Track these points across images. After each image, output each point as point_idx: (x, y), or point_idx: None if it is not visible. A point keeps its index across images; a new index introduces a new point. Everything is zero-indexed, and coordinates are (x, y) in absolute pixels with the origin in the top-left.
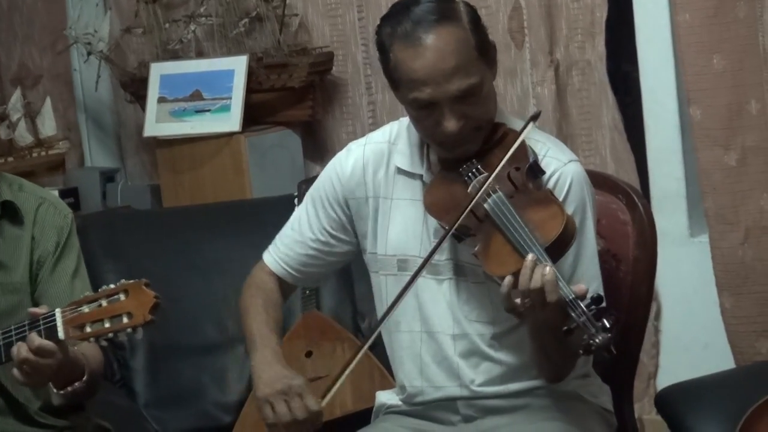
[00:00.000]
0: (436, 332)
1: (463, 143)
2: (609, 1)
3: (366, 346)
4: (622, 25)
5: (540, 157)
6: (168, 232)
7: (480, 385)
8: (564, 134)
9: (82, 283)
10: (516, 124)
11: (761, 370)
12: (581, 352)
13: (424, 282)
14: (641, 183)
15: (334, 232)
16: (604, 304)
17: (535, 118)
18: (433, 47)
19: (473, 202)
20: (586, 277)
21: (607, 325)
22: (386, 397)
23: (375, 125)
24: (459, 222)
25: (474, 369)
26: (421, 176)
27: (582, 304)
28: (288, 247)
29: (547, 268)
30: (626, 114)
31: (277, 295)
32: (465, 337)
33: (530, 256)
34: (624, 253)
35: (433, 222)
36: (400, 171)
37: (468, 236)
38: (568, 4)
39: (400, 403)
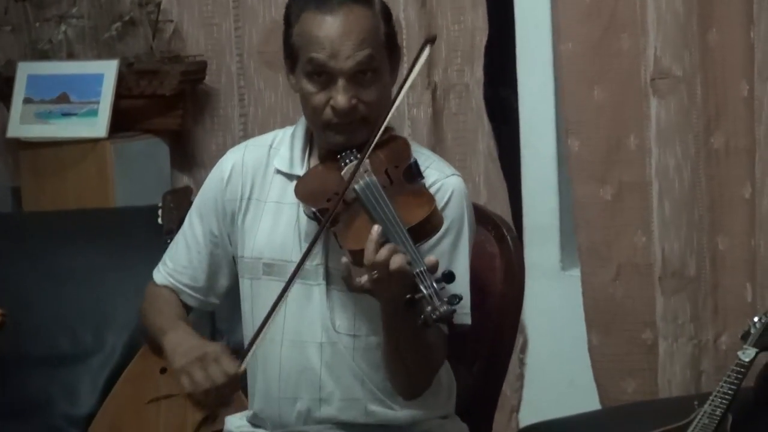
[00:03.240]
0: (303, 341)
1: (348, 131)
2: (490, 26)
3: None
4: (502, 51)
5: (423, 168)
6: (25, 237)
7: (341, 401)
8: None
9: None
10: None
11: (625, 413)
12: (421, 323)
13: (294, 288)
14: (513, 213)
15: (216, 239)
16: (454, 282)
17: (431, 41)
18: (342, 19)
19: (348, 183)
20: (455, 292)
21: (452, 301)
22: (235, 424)
23: (245, 138)
24: (330, 205)
25: (336, 382)
26: (298, 177)
27: (431, 277)
28: (175, 261)
29: (384, 249)
30: (502, 142)
31: (176, 298)
32: (332, 347)
33: (375, 229)
34: (490, 286)
35: (305, 225)
36: (278, 172)
37: (335, 224)
38: (448, 26)
39: (251, 429)
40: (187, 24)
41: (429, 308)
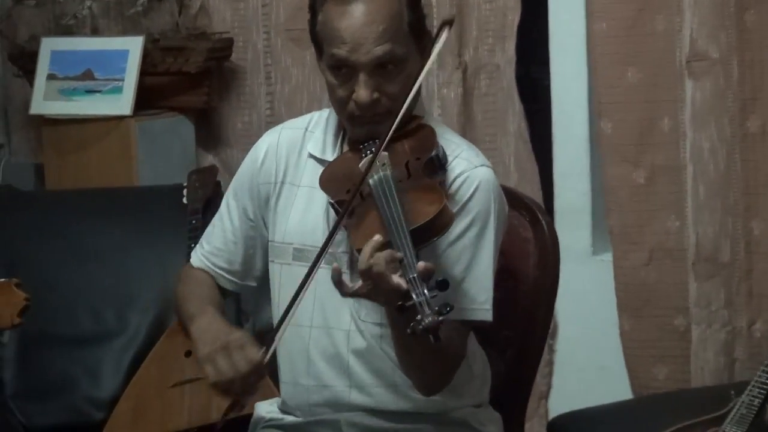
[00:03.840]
0: (331, 327)
1: (373, 122)
2: (522, 5)
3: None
4: (534, 31)
5: (451, 158)
6: (49, 216)
7: (374, 387)
8: (467, 139)
9: None
10: (439, 127)
11: (659, 402)
12: (408, 332)
13: (324, 273)
14: (544, 195)
15: (252, 222)
16: (448, 290)
17: (449, 23)
18: (362, 9)
19: (363, 177)
20: (475, 286)
21: (442, 311)
22: (265, 410)
23: (272, 116)
24: (348, 196)
25: (366, 368)
26: (329, 162)
27: (423, 285)
28: (211, 244)
29: (379, 254)
30: (533, 123)
31: (211, 281)
32: (360, 335)
33: (376, 237)
34: (524, 272)
35: (333, 213)
36: (311, 157)
37: (350, 215)
38: (480, 4)
39: (280, 416)
40: (213, 0)
41: (417, 317)
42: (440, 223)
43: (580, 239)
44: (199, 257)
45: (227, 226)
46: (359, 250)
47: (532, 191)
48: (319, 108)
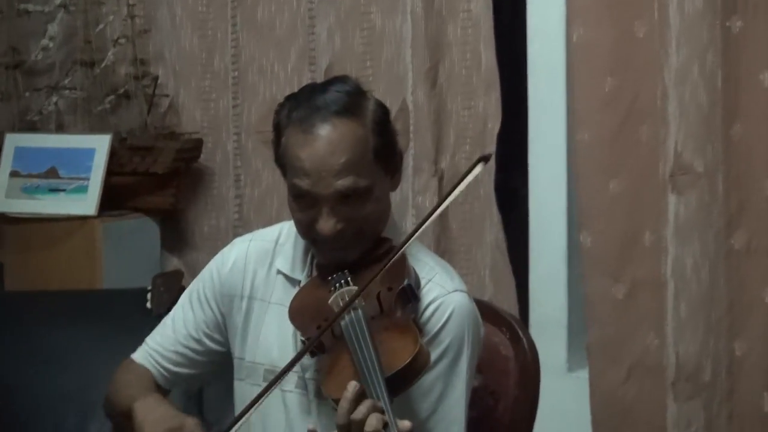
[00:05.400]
0: None
1: (339, 249)
2: (503, 112)
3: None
4: (513, 137)
5: (423, 282)
6: (8, 317)
7: None
8: (441, 249)
9: None
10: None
11: None
12: None
13: (295, 398)
14: (520, 309)
15: (208, 331)
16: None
17: (485, 159)
18: (324, 139)
19: (332, 319)
20: (446, 419)
21: None
22: None
23: (241, 220)
24: (316, 336)
25: None
26: (299, 282)
27: None
28: (158, 343)
29: (362, 406)
30: (510, 233)
31: (150, 376)
32: None
33: (351, 386)
34: (504, 390)
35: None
36: (280, 273)
37: (322, 352)
38: (458, 110)
39: None
40: (183, 99)
41: None
42: (416, 367)
43: (555, 355)
44: (142, 354)
45: (179, 329)
46: (334, 399)
47: (509, 304)
48: (290, 215)
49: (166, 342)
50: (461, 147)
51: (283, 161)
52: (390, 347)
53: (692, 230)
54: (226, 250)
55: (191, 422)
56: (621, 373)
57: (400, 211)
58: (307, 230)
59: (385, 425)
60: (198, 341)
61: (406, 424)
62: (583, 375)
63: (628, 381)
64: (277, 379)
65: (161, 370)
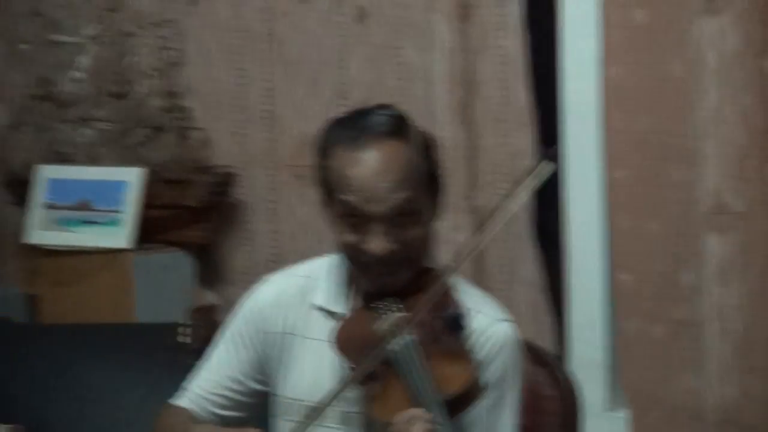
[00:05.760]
0: None
1: (387, 273)
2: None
3: None
4: (550, 177)
5: (469, 312)
6: (42, 351)
7: None
8: (480, 287)
9: None
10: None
11: None
12: None
13: None
14: (558, 347)
15: (249, 371)
16: None
17: (553, 157)
18: (376, 157)
19: (382, 344)
20: None
21: None
22: None
23: (276, 254)
24: (367, 361)
25: None
26: (338, 315)
27: None
28: (201, 387)
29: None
30: (548, 271)
31: (194, 419)
32: None
33: (413, 411)
34: (546, 430)
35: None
36: (318, 308)
37: (372, 381)
38: (492, 147)
39: None
40: (216, 132)
41: None
42: (474, 391)
43: (594, 394)
44: (185, 399)
45: (216, 370)
46: (385, 423)
47: (548, 343)
48: (325, 248)
49: (208, 385)
50: (495, 183)
51: (329, 183)
52: (443, 372)
53: (733, 270)
54: (258, 287)
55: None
56: (662, 415)
57: (436, 247)
58: (355, 252)
59: None
60: (240, 382)
61: None
62: (623, 415)
63: (670, 423)
64: (327, 405)
65: (204, 414)
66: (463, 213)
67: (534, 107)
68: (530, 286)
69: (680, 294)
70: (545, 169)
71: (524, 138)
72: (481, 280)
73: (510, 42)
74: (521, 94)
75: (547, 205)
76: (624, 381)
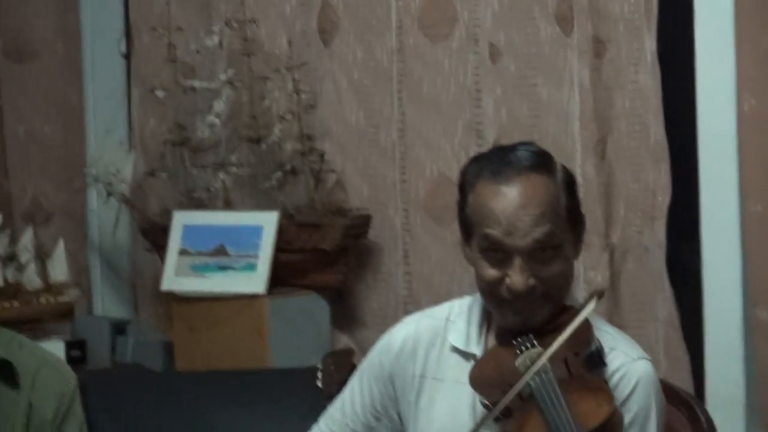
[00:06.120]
0: None
1: (525, 311)
2: (673, 183)
3: None
4: (685, 211)
5: (607, 350)
6: (179, 399)
7: None
8: (614, 325)
9: None
10: (591, 317)
11: None
12: None
13: None
14: (695, 386)
15: (378, 413)
16: None
17: (600, 295)
18: (520, 190)
19: (520, 379)
20: None
21: None
22: None
23: (410, 297)
24: (503, 396)
25: None
26: (475, 356)
27: None
28: (330, 427)
29: None
30: (683, 308)
31: None
32: None
33: None
34: None
35: (481, 411)
36: (454, 350)
37: (508, 417)
38: (628, 183)
39: None
40: (349, 174)
41: None
42: (612, 426)
43: None
44: None
45: (348, 411)
46: None
47: (684, 382)
48: (460, 290)
49: (336, 426)
50: (631, 220)
51: (470, 219)
52: (584, 407)
53: None
54: (394, 329)
55: None
56: None
57: (573, 287)
58: (494, 288)
59: None
60: (367, 424)
61: None
62: None
63: None
64: None
65: None
66: (600, 251)
67: (669, 141)
68: (665, 324)
69: None
70: (592, 305)
71: (660, 174)
72: (616, 318)
73: (644, 76)
74: (657, 130)
75: (682, 240)
76: (764, 418)
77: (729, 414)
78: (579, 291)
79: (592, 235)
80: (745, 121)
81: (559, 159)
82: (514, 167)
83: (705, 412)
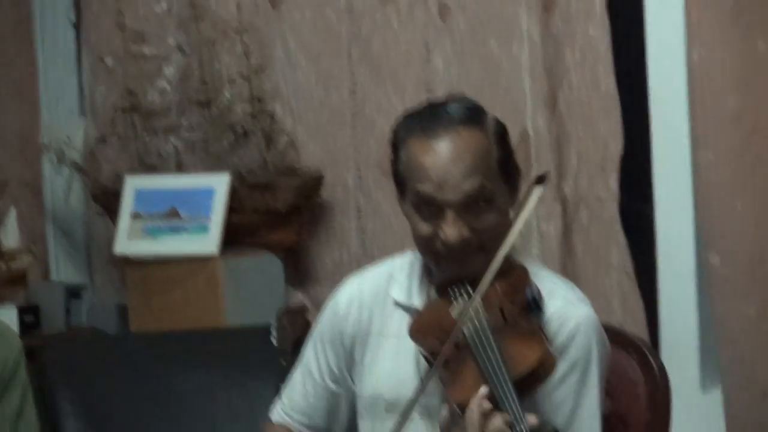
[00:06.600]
0: None
1: (460, 262)
2: (625, 134)
3: None
4: (637, 160)
5: (547, 297)
6: (134, 361)
7: None
8: (568, 275)
9: (27, 426)
10: (530, 264)
11: None
12: None
13: (419, 426)
14: (649, 332)
15: (336, 376)
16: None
17: (541, 180)
18: (449, 145)
19: (456, 327)
20: None
21: None
22: None
23: (364, 254)
24: (441, 347)
25: None
26: (417, 310)
27: None
28: (291, 398)
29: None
30: (637, 257)
31: None
32: None
33: (482, 389)
34: (634, 416)
35: (424, 362)
36: (396, 305)
37: (445, 367)
38: (580, 135)
39: None
40: (301, 135)
41: None
42: (544, 370)
43: (688, 376)
44: (278, 412)
45: (308, 380)
46: (459, 404)
47: (638, 328)
48: (412, 247)
49: (298, 396)
50: (583, 171)
51: (403, 174)
52: (515, 353)
53: None
54: (339, 292)
55: None
56: (756, 393)
57: (525, 237)
58: (429, 242)
59: (512, 426)
60: (327, 389)
61: (532, 419)
62: (717, 395)
63: (765, 401)
64: (413, 402)
65: (299, 426)
66: (552, 202)
67: (620, 92)
68: (619, 273)
69: None
70: (537, 193)
71: (612, 124)
72: (570, 267)
73: (594, 28)
74: (607, 81)
75: (635, 189)
76: (719, 360)
77: (683, 360)
78: (532, 242)
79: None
80: (695, 70)
81: (511, 113)
82: (444, 122)
83: (657, 358)
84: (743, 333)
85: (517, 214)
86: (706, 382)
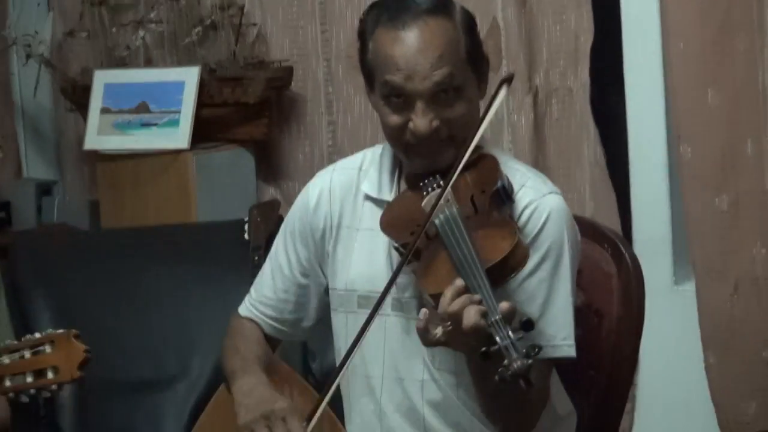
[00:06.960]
0: (403, 379)
1: (431, 153)
2: (595, 26)
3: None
4: (608, 52)
5: (516, 187)
6: (105, 257)
7: None
8: (540, 168)
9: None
10: (501, 155)
11: None
12: (497, 379)
13: (393, 321)
14: (622, 225)
15: (305, 269)
16: (533, 330)
17: (508, 81)
18: (417, 35)
19: (428, 217)
20: (555, 324)
21: (530, 354)
22: None
23: (334, 147)
24: (412, 238)
25: (442, 420)
26: (388, 203)
27: (507, 327)
28: (260, 293)
29: (457, 300)
30: (609, 149)
31: (258, 333)
32: (434, 383)
33: (458, 281)
34: (607, 308)
35: (396, 256)
36: (367, 198)
37: (417, 258)
38: (550, 26)
39: None
40: (270, 27)
41: (504, 362)
42: (516, 259)
43: (660, 270)
44: (246, 306)
45: (276, 273)
46: (433, 295)
47: (610, 221)
48: (383, 139)
49: (267, 290)
50: (554, 63)
51: (371, 66)
52: (487, 242)
53: None
54: (309, 185)
55: (280, 406)
56: (728, 287)
57: (496, 130)
58: (399, 134)
59: (485, 314)
60: (296, 282)
61: (505, 305)
62: (690, 288)
63: (736, 293)
64: (385, 293)
65: (267, 320)
66: (523, 94)
67: None
68: (591, 165)
69: (744, 164)
70: (503, 93)
71: (582, 16)
72: (541, 161)
73: None
74: None
75: (606, 81)
76: (690, 254)
77: (656, 251)
78: (504, 135)
79: (515, 79)
80: None
81: (481, 5)
82: (412, 12)
83: (630, 251)
84: (715, 226)
85: (486, 110)
86: (678, 275)
